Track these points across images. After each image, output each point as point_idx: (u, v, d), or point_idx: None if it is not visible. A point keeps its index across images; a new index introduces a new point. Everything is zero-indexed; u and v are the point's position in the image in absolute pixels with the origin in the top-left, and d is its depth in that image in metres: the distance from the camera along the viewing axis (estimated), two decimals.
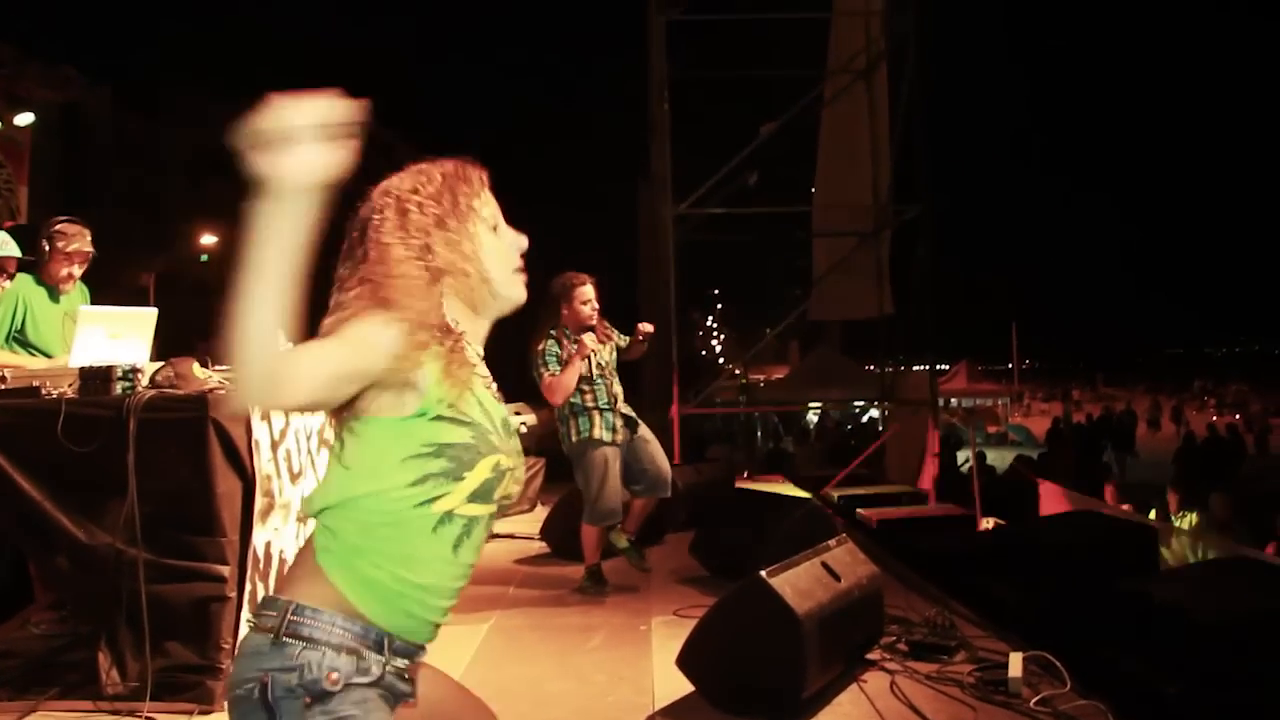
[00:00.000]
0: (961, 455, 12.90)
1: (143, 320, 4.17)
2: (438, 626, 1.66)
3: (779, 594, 3.31)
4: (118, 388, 3.65)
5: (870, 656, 3.90)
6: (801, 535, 5.04)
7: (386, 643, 1.56)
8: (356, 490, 1.56)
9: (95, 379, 3.64)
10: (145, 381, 3.83)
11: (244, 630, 1.29)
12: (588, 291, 5.25)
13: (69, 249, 4.46)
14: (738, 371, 20.12)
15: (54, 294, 4.53)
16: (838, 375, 15.89)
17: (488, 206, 1.71)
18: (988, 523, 8.30)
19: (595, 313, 5.27)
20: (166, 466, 3.61)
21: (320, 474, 4.29)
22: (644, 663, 4.11)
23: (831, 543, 3.90)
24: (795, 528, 5.16)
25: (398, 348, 1.48)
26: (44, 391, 3.72)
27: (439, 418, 1.56)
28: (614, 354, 5.45)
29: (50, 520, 3.61)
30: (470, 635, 4.59)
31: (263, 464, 3.92)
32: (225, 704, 1.57)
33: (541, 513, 7.66)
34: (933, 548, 6.44)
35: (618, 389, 5.39)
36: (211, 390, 3.84)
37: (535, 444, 9.08)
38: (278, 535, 3.92)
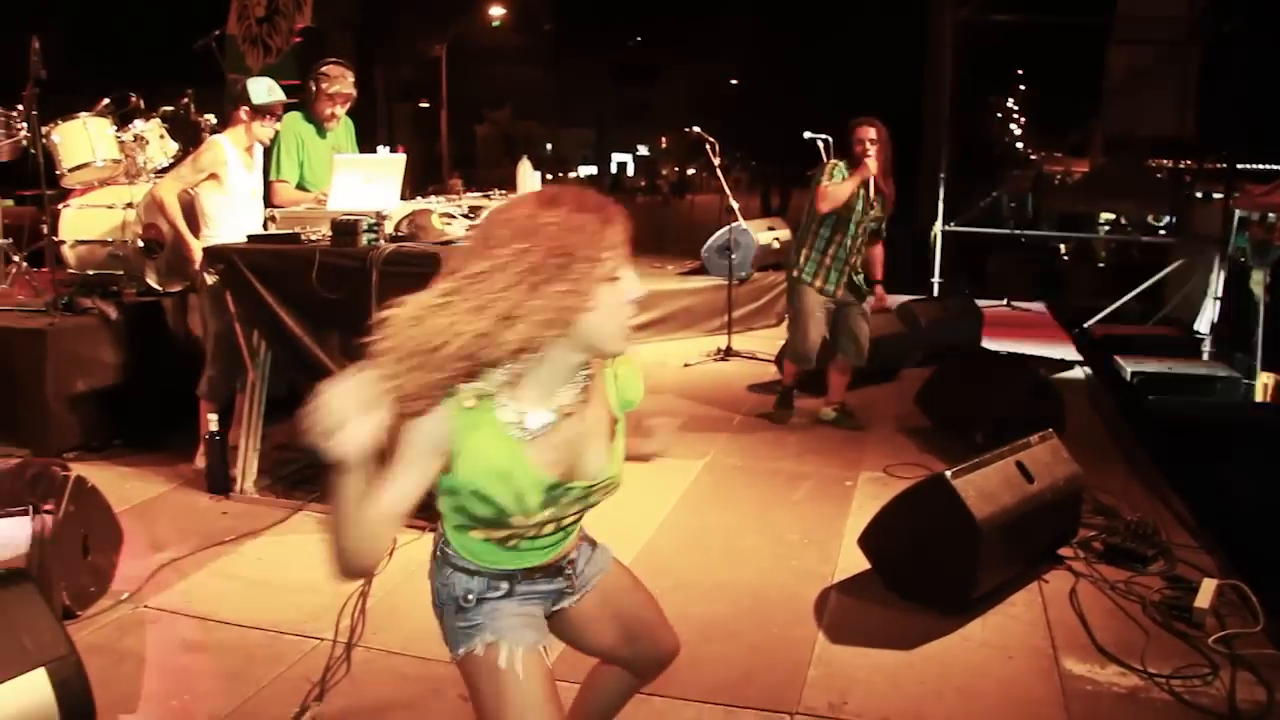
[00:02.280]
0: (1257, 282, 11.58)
1: (393, 165, 4.50)
2: (556, 549, 1.90)
3: (960, 496, 3.33)
4: (363, 239, 4.02)
5: (1063, 552, 3.88)
6: (1025, 408, 4.96)
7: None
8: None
9: (344, 231, 4.02)
10: (390, 227, 4.20)
11: None
12: (865, 132, 5.28)
13: (331, 90, 4.82)
14: (1034, 157, 18.91)
15: (321, 130, 4.94)
16: (1134, 186, 14.61)
17: (611, 259, 1.62)
18: (1266, 380, 7.64)
19: (871, 156, 5.24)
20: None
21: None
22: (838, 525, 4.27)
23: (1034, 439, 3.81)
24: (1019, 399, 5.06)
25: (444, 444, 1.63)
26: (304, 237, 4.16)
27: (472, 493, 1.70)
28: (869, 216, 5.38)
29: (310, 354, 4.14)
30: (683, 473, 4.89)
31: None
32: None
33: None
34: (1185, 414, 6.09)
35: (860, 250, 5.37)
36: (448, 242, 4.17)
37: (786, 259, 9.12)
38: None
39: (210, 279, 4.42)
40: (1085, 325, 9.05)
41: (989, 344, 7.43)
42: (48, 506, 3.11)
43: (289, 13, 10.27)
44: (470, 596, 1.84)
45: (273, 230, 4.44)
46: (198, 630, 3.32)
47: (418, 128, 27.85)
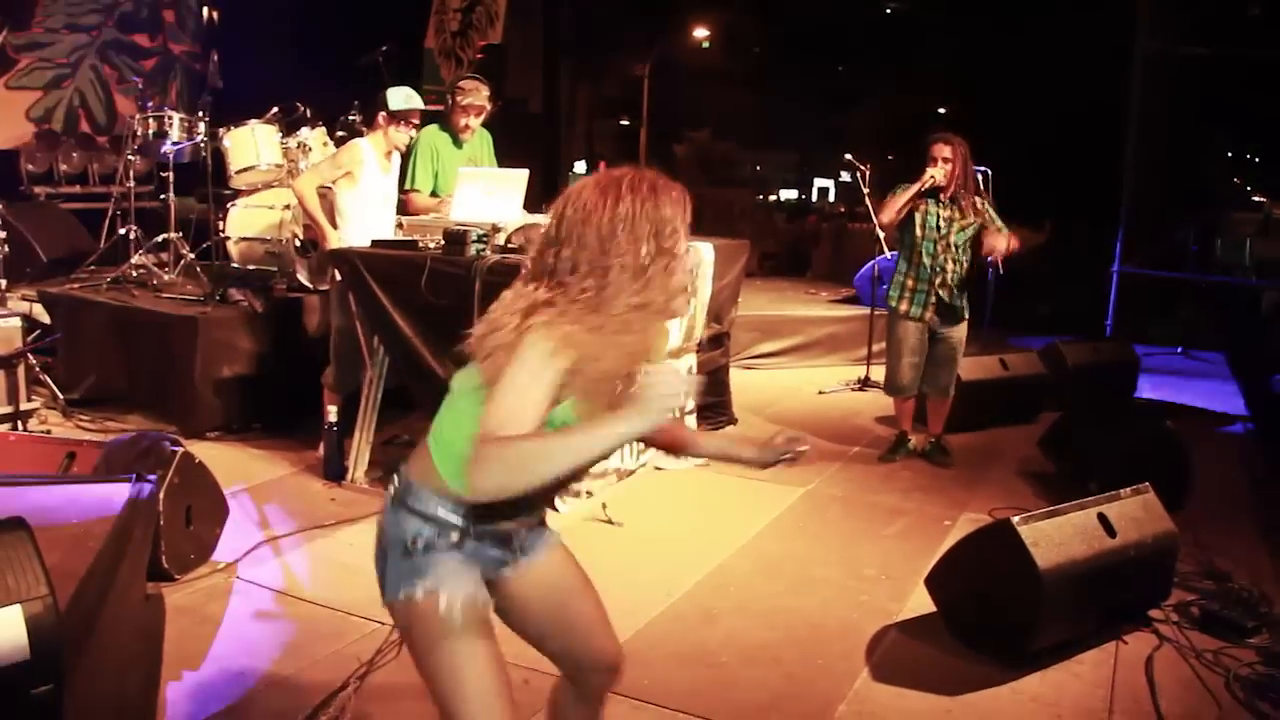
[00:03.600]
0: None
1: (515, 180, 4.70)
2: (529, 509, 2.00)
3: (1024, 544, 3.21)
4: (472, 249, 4.23)
5: (1154, 614, 3.65)
6: (1143, 457, 4.69)
7: (471, 518, 1.91)
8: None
9: (455, 240, 4.24)
10: (502, 239, 4.39)
11: None
12: (939, 150, 5.17)
13: (465, 103, 5.08)
14: (1261, 200, 17.58)
15: (457, 141, 5.21)
16: None
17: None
18: None
19: (944, 173, 5.13)
20: None
21: None
22: (921, 563, 4.14)
23: (1125, 491, 3.61)
24: (1139, 447, 4.78)
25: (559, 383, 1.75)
26: (421, 244, 4.41)
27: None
28: (967, 233, 5.20)
29: (418, 354, 4.37)
30: (780, 499, 4.86)
31: None
32: None
33: None
34: None
35: (952, 269, 5.20)
36: None
37: None
38: None
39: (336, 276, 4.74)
40: (1272, 378, 8.37)
41: (1147, 392, 7.04)
42: (152, 477, 3.41)
43: (481, 28, 10.83)
44: (418, 541, 1.90)
45: (399, 236, 4.71)
46: (276, 602, 3.57)
47: (618, 144, 28.47)
